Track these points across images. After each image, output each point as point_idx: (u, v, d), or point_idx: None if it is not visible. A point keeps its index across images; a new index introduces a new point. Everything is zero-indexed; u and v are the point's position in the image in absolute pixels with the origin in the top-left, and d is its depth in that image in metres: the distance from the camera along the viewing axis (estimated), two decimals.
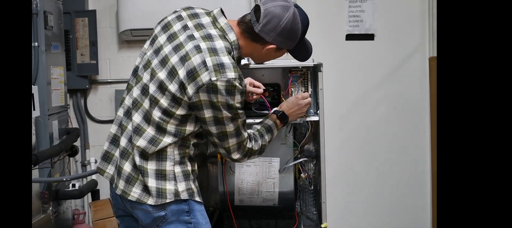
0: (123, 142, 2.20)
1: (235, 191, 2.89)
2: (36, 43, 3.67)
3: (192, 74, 2.05)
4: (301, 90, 2.76)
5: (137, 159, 2.13)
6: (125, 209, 2.25)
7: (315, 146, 2.92)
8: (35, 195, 3.47)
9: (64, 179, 3.82)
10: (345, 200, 4.39)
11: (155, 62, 2.17)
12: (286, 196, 2.90)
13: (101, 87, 4.46)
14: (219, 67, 2.04)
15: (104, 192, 4.28)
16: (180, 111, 2.09)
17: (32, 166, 3.27)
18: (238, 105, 2.12)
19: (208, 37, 2.13)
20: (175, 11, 2.30)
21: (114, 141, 2.26)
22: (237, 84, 2.07)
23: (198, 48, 2.08)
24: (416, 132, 4.35)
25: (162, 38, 2.21)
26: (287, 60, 2.70)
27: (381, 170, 4.40)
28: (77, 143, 4.12)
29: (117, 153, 2.23)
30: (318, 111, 2.68)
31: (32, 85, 3.52)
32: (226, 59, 2.07)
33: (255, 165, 2.86)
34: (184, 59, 2.08)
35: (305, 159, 2.89)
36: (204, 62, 2.05)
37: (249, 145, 2.25)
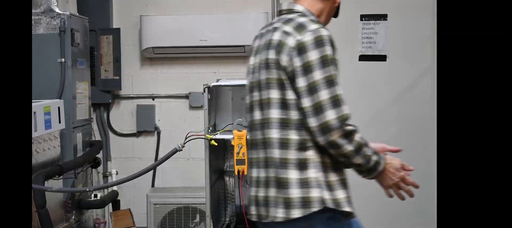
0: None
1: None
2: (63, 59, 3.81)
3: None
4: None
5: None
6: None
7: None
8: (59, 204, 3.59)
9: (87, 189, 3.97)
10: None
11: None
12: None
13: (123, 102, 4.62)
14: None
15: (125, 202, 4.43)
16: None
17: (57, 176, 3.42)
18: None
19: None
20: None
21: None
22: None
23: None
24: (427, 152, 4.38)
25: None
26: None
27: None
28: (100, 155, 4.24)
29: None
30: None
31: (59, 99, 3.68)
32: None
33: None
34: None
35: None
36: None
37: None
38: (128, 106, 4.61)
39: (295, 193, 1.96)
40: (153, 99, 4.60)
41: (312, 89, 1.92)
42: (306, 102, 1.93)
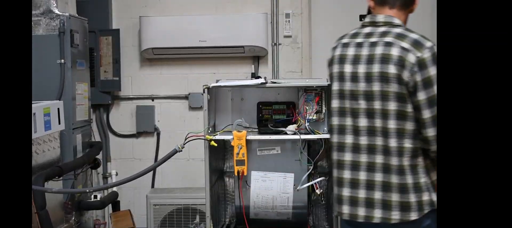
0: None
1: (251, 205, 3.00)
2: (62, 60, 3.82)
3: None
4: (315, 108, 2.90)
5: None
6: None
7: (328, 162, 3.05)
8: (59, 205, 3.60)
9: (87, 190, 3.97)
10: None
11: None
12: (300, 210, 3.01)
13: (123, 103, 4.63)
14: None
15: (124, 203, 4.44)
16: None
17: (57, 177, 3.42)
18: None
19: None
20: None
21: None
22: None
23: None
24: None
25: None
26: (301, 79, 2.83)
27: None
28: (99, 156, 4.25)
29: None
30: None
31: (58, 100, 3.68)
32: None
33: (270, 180, 2.98)
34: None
35: (323, 178, 3.00)
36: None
37: None
38: (128, 107, 4.62)
39: (412, 197, 2.13)
40: (153, 100, 4.61)
41: (432, 102, 2.09)
42: (426, 114, 2.10)
